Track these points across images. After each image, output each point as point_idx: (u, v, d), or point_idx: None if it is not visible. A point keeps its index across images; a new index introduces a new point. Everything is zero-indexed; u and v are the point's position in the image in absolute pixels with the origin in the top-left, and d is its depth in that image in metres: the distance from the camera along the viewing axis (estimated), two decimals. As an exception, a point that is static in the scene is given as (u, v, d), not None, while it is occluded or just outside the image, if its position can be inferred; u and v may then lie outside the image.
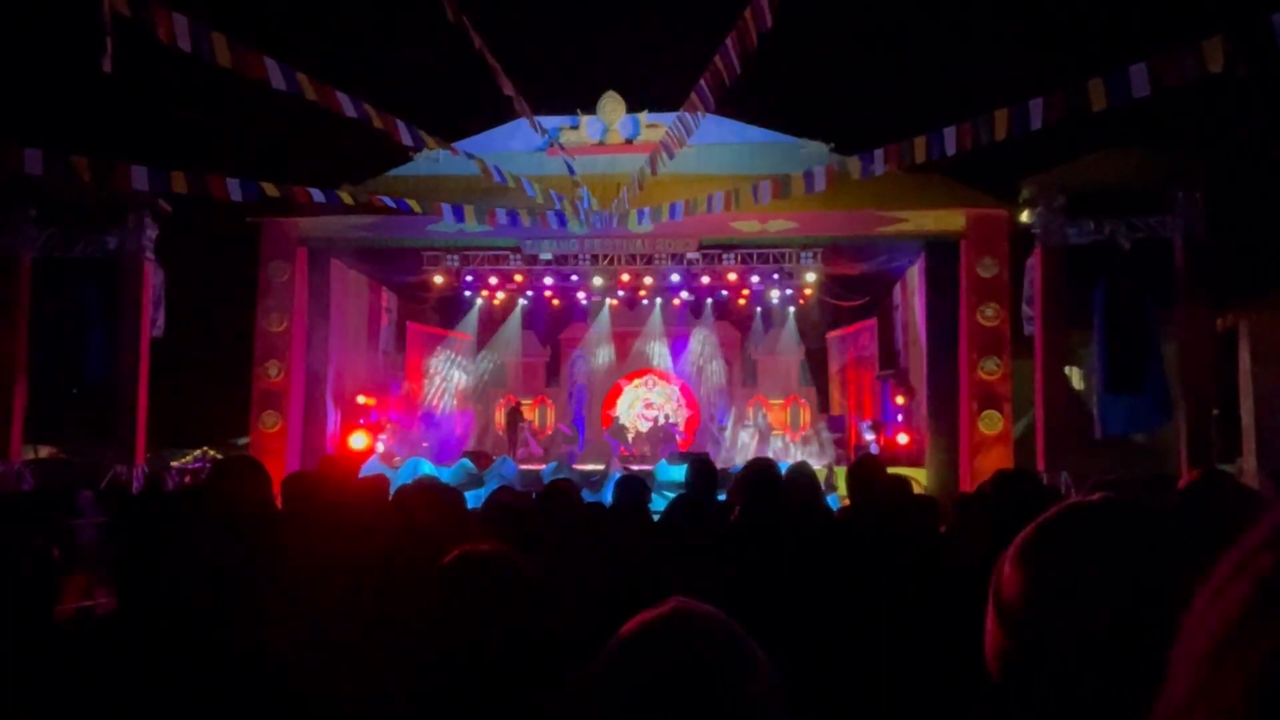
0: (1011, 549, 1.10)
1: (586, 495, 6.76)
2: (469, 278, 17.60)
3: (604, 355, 20.72)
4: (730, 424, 19.74)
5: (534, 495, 4.36)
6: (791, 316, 19.66)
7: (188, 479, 14.96)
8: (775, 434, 18.80)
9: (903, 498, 3.88)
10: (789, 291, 18.16)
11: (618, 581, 2.89)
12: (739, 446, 18.37)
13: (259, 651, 1.67)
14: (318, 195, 10.75)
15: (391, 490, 4.16)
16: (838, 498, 11.98)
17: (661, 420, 20.01)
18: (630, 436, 19.79)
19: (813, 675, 2.29)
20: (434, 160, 14.90)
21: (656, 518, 4.61)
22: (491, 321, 20.32)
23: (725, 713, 0.97)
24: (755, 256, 16.62)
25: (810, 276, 17.12)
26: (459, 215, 12.19)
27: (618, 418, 20.25)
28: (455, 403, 19.89)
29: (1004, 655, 1.07)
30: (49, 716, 1.62)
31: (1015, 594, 1.06)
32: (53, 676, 1.68)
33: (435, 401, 19.42)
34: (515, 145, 15.30)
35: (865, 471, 4.26)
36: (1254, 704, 0.41)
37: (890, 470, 4.65)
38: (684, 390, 21.19)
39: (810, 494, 4.06)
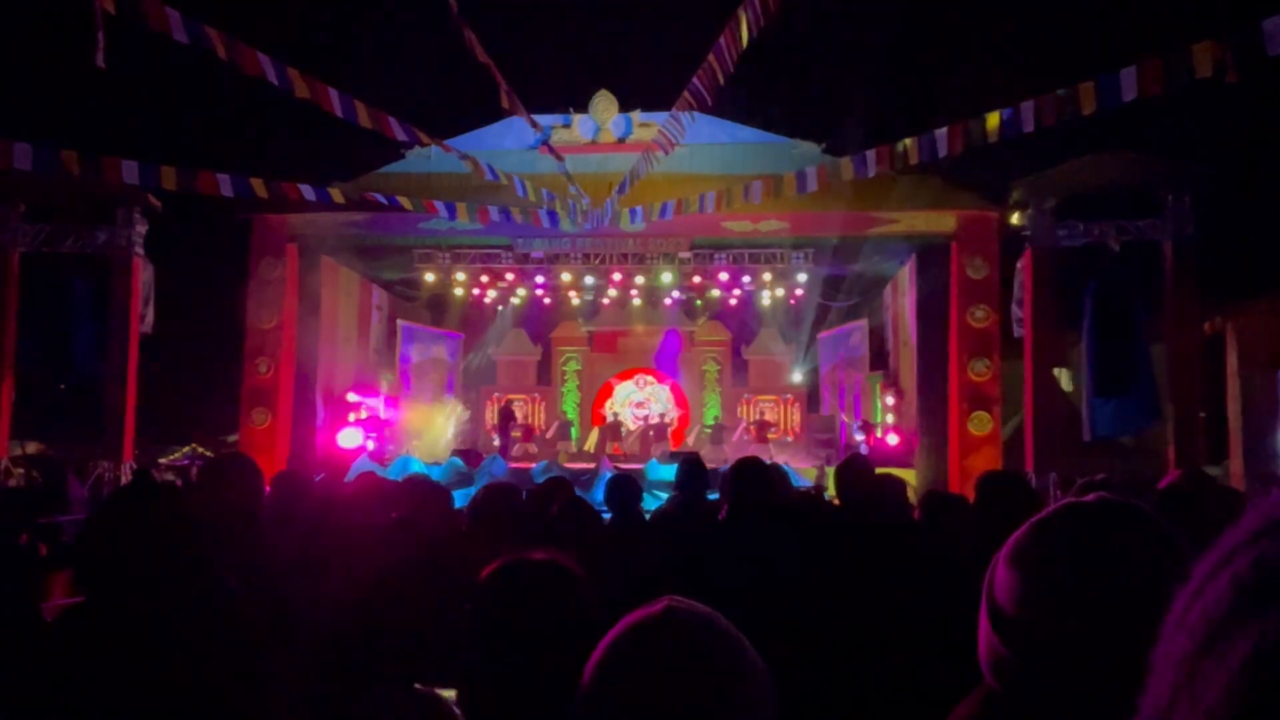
0: (1005, 550, 1.10)
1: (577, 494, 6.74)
2: (460, 275, 17.57)
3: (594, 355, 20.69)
4: (720, 423, 19.76)
5: (524, 494, 4.36)
6: (782, 316, 19.67)
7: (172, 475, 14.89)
8: (767, 433, 18.81)
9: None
10: (780, 292, 18.17)
11: (610, 581, 2.89)
12: (729, 445, 18.37)
13: (237, 649, 1.63)
14: (309, 192, 10.69)
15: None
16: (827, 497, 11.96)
17: (654, 419, 20.00)
18: (621, 434, 19.78)
19: (806, 673, 2.30)
20: (425, 158, 14.85)
21: (647, 517, 4.62)
22: (482, 319, 20.30)
23: (717, 712, 0.97)
24: (747, 256, 16.61)
25: (801, 277, 17.13)
26: (451, 213, 12.12)
27: (609, 416, 20.23)
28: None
29: (997, 657, 1.06)
30: (36, 711, 1.61)
31: (1010, 595, 1.05)
32: (39, 672, 1.67)
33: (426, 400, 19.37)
34: (507, 143, 15.25)
35: (853, 471, 4.26)
36: (1235, 704, 0.41)
37: (880, 470, 4.66)
38: (675, 389, 21.21)
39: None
